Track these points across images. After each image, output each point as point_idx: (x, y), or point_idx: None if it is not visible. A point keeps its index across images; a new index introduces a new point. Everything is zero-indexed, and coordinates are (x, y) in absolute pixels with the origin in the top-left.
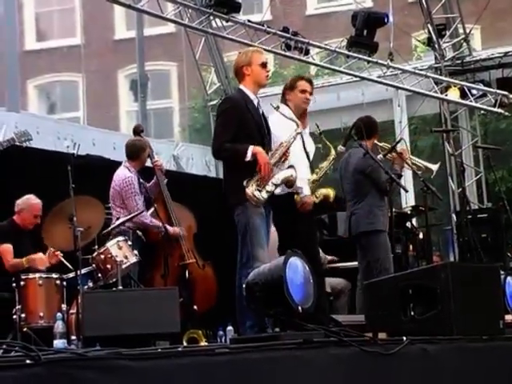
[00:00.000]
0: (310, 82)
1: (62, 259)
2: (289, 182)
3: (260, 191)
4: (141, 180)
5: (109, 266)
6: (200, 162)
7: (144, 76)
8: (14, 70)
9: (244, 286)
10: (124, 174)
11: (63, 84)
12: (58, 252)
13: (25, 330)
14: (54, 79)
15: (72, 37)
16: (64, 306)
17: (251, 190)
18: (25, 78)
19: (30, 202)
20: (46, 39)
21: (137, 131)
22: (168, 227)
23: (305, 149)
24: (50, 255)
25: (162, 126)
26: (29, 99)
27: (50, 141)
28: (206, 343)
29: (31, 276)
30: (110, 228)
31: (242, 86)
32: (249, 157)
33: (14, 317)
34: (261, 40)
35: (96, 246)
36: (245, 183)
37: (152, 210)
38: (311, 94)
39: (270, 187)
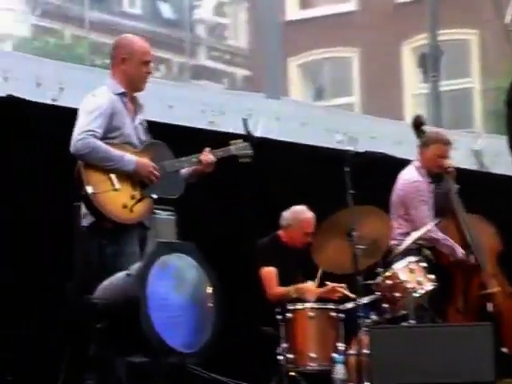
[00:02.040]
0: None
1: (347, 292)
2: None
3: None
4: (431, 186)
5: (397, 295)
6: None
7: (436, 48)
8: (276, 47)
9: None
10: (411, 177)
11: (333, 62)
12: (343, 286)
13: (292, 374)
14: (321, 56)
15: (344, 1)
16: (341, 345)
17: None
18: (285, 56)
19: (299, 216)
20: (312, 6)
21: (416, 124)
22: (458, 251)
23: None
24: (330, 290)
25: (458, 113)
26: (290, 82)
27: (319, 134)
28: None
29: (300, 306)
30: (402, 248)
31: None
32: None
33: (280, 357)
34: None
35: (381, 269)
36: None
37: (436, 222)
38: None
39: None
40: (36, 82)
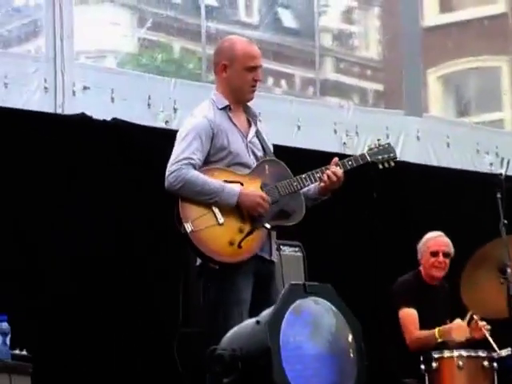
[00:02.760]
0: None
1: (488, 337)
2: None
3: None
4: None
5: None
6: None
7: None
8: (415, 58)
9: None
10: None
11: (481, 73)
12: (484, 324)
13: None
14: (465, 66)
15: (491, 3)
16: None
17: None
18: (424, 67)
19: (426, 237)
20: (454, 9)
21: None
22: None
23: None
24: (473, 327)
25: None
26: (430, 96)
27: (466, 155)
28: None
29: (447, 354)
30: None
31: None
32: None
33: None
34: None
35: None
36: None
37: None
38: None
39: None
40: (147, 103)
